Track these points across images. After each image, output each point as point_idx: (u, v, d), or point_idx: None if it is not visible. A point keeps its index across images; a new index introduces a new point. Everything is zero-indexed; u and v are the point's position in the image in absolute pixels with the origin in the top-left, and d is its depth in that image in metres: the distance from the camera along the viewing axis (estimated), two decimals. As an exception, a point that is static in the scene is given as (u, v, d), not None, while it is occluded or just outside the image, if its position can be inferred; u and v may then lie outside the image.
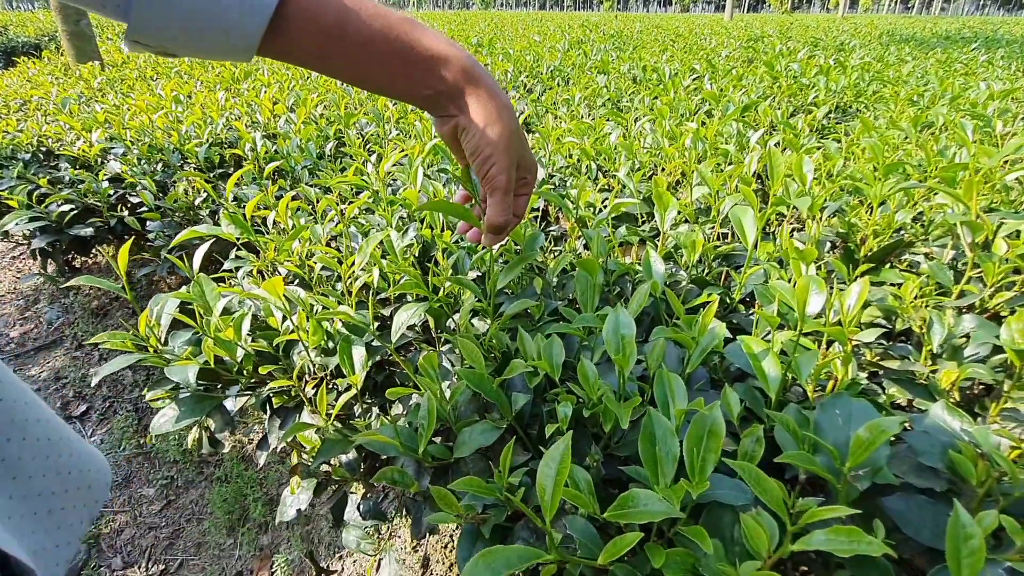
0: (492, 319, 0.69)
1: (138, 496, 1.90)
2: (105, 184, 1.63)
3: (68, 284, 0.77)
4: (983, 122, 1.76)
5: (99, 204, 1.69)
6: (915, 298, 0.72)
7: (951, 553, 0.37)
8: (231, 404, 0.79)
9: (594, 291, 0.66)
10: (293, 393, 0.74)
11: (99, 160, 1.84)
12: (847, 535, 0.35)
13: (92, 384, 0.82)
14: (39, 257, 2.15)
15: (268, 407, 0.81)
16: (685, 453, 0.38)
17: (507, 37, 5.41)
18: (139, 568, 1.63)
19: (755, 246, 0.71)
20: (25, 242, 2.49)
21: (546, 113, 1.80)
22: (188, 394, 0.79)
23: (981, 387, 0.66)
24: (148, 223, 1.44)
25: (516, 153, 0.50)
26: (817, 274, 0.86)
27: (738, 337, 0.57)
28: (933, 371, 0.65)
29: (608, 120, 1.63)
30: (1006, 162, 1.35)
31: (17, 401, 0.39)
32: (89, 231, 1.77)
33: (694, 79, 2.44)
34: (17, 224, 1.69)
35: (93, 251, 2.83)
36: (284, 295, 0.67)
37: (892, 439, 0.54)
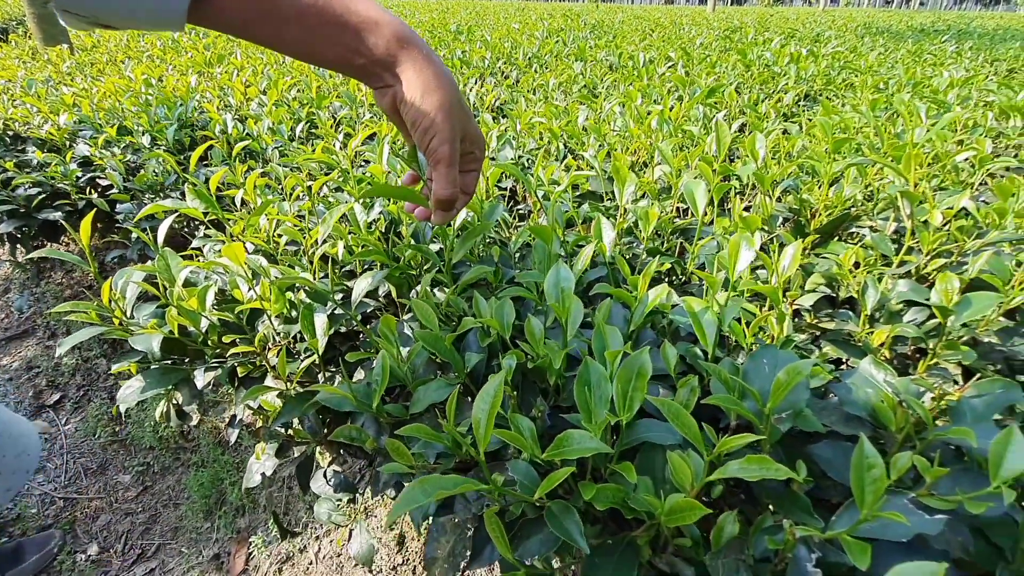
0: (450, 280, 0.71)
1: (114, 483, 1.89)
2: (73, 166, 1.61)
3: (31, 256, 0.77)
4: (943, 108, 1.81)
5: (68, 187, 1.67)
6: (857, 267, 0.75)
7: (855, 482, 0.40)
8: (199, 377, 0.80)
9: (550, 259, 0.68)
10: (258, 363, 0.76)
11: (67, 143, 1.82)
12: (758, 463, 0.38)
13: (59, 354, 0.82)
14: (7, 243, 2.12)
15: (234, 379, 0.82)
16: (615, 393, 0.41)
17: (488, 25, 5.38)
18: (115, 552, 1.64)
19: (706, 216, 0.74)
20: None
21: (522, 99, 1.81)
22: (155, 365, 0.80)
23: (914, 349, 0.70)
24: (118, 205, 1.43)
25: (459, 123, 0.48)
26: (768, 246, 0.90)
27: (681, 298, 0.59)
28: (869, 333, 0.68)
29: (581, 104, 1.65)
30: (960, 142, 1.40)
31: None
32: (58, 215, 1.75)
33: (669, 67, 2.47)
34: (-17, 208, 1.67)
35: (63, 238, 2.78)
36: (247, 263, 0.68)
37: (823, 391, 0.57)
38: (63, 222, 1.27)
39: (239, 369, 0.78)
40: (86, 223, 0.77)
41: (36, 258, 2.82)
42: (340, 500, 1.51)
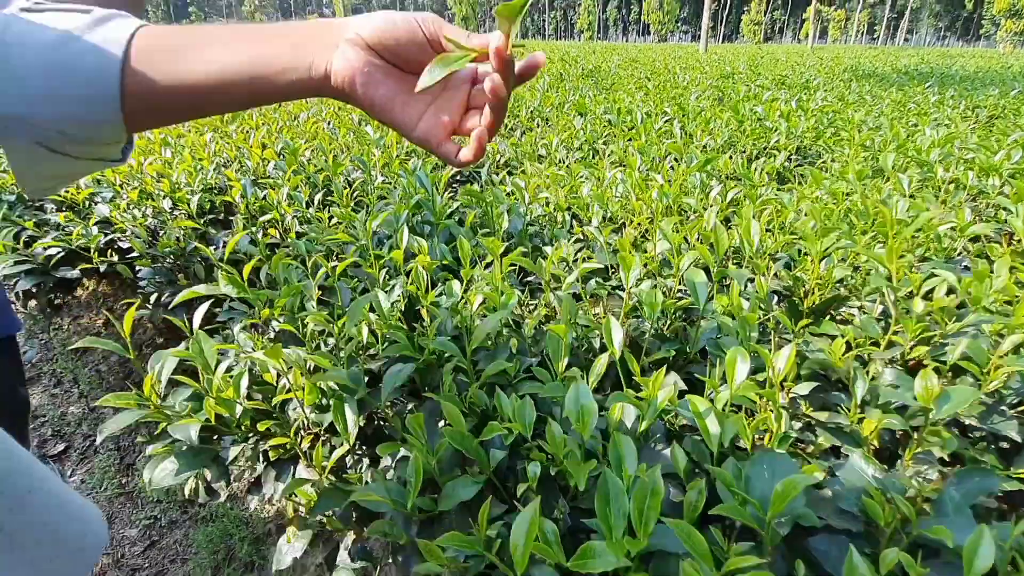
0: (472, 378, 0.77)
1: (120, 537, 1.90)
2: (95, 231, 1.67)
3: (75, 347, 0.83)
4: (926, 168, 1.91)
5: (87, 249, 1.73)
6: (847, 351, 0.81)
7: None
8: (228, 455, 0.85)
9: (563, 351, 0.74)
10: (289, 446, 0.80)
11: (87, 203, 1.89)
12: (762, 579, 0.43)
13: (99, 441, 0.87)
14: (21, 297, 2.17)
15: (264, 457, 0.87)
16: (632, 511, 0.46)
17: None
18: (122, 610, 1.64)
19: (706, 305, 0.81)
20: (7, 284, 2.50)
21: (525, 158, 1.91)
22: (187, 447, 0.84)
23: (902, 433, 0.75)
24: (140, 270, 1.49)
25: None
26: (766, 325, 0.96)
27: (686, 396, 0.65)
28: (860, 419, 0.74)
29: (584, 169, 1.74)
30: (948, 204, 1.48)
31: (12, 473, 0.40)
32: (76, 273, 1.81)
33: (665, 121, 2.59)
34: (2, 267, 1.72)
35: (79, 294, 2.84)
36: (283, 359, 0.74)
37: (817, 485, 0.63)
38: (79, 280, 1.32)
39: (271, 452, 0.82)
40: (129, 316, 0.82)
41: (48, 309, 2.87)
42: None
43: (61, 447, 2.33)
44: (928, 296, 0.90)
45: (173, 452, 0.85)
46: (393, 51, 0.41)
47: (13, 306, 1.20)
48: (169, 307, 1.37)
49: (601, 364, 0.64)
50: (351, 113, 2.78)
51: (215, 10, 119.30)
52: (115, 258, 1.79)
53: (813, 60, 9.78)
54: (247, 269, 0.93)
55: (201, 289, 0.94)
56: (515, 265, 1.14)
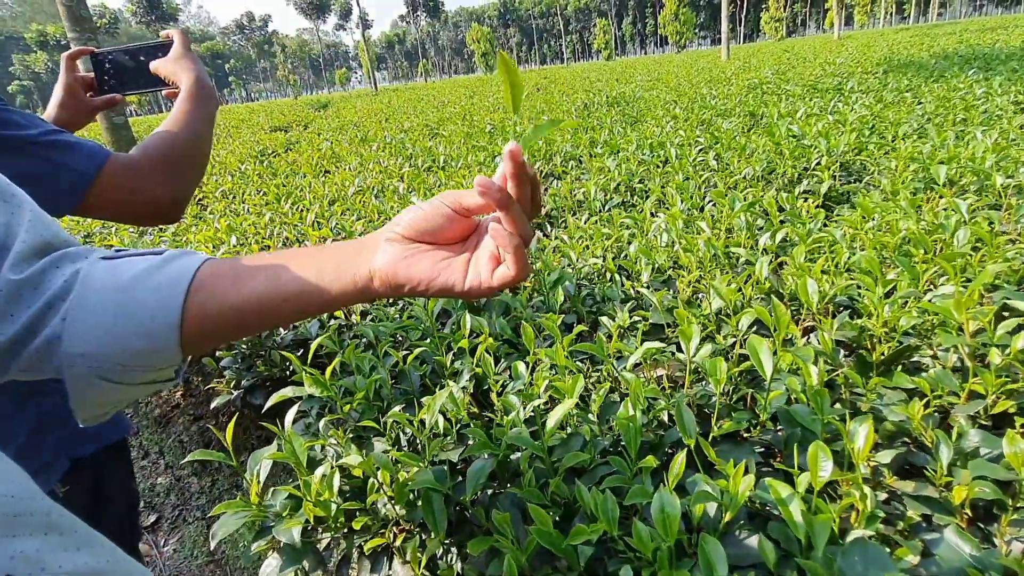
0: (549, 465, 0.81)
1: (213, 606, 1.99)
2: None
3: (185, 460, 0.91)
4: (983, 175, 1.84)
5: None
6: (924, 407, 0.80)
7: None
8: (329, 557, 0.91)
9: (636, 434, 0.77)
10: (384, 545, 0.86)
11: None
12: None
13: (212, 546, 0.95)
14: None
15: (359, 551, 0.92)
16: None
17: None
18: None
19: (772, 376, 0.82)
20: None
21: (565, 211, 1.96)
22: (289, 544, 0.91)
23: (996, 501, 0.73)
24: (223, 360, 1.61)
25: None
26: (836, 381, 0.95)
27: (766, 480, 0.66)
28: (948, 482, 0.72)
29: (623, 216, 1.78)
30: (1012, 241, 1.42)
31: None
32: (159, 390, 1.96)
33: (699, 151, 2.60)
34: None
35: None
36: (373, 464, 0.80)
37: (914, 563, 0.62)
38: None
39: (365, 547, 0.88)
40: (230, 429, 0.91)
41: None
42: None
43: (153, 518, 2.47)
44: (1006, 335, 0.87)
45: (275, 548, 0.92)
46: (427, 231, 0.45)
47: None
48: (257, 408, 1.47)
49: (679, 463, 0.67)
50: (392, 180, 2.91)
51: (252, 76, 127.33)
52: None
53: (842, 55, 9.54)
54: (328, 371, 1.00)
55: (288, 392, 1.02)
56: (570, 329, 1.17)
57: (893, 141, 2.44)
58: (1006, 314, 1.06)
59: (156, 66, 0.97)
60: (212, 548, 1.95)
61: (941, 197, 1.68)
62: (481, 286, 0.45)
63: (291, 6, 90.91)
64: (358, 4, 37.78)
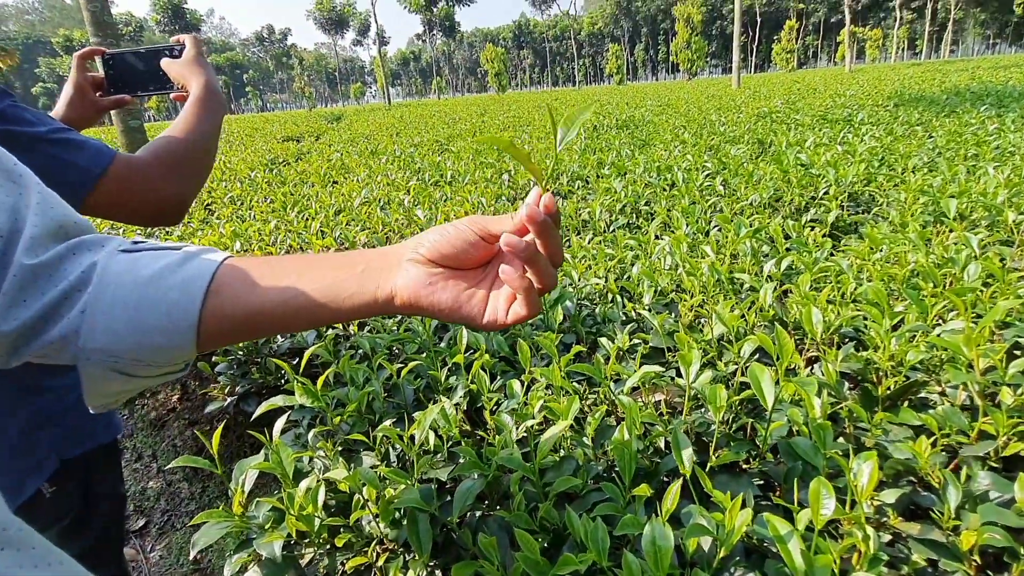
0: (539, 488, 0.78)
1: (196, 614, 1.94)
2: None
3: (170, 465, 0.89)
4: (994, 210, 1.82)
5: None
6: (932, 445, 0.77)
7: None
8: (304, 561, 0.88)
9: (631, 461, 0.74)
10: (367, 565, 0.83)
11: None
12: None
13: (192, 556, 0.92)
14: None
15: (341, 567, 0.89)
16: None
17: (529, 128, 5.79)
18: None
19: (775, 404, 0.79)
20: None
21: (570, 231, 1.95)
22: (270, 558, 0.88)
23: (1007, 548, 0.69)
24: (218, 365, 1.60)
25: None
26: (839, 414, 0.93)
27: (764, 515, 0.63)
28: (956, 527, 0.69)
29: (628, 238, 1.76)
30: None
31: None
32: (169, 380, 1.94)
33: (707, 176, 2.59)
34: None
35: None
36: (360, 477, 0.77)
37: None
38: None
39: (347, 565, 0.85)
40: (216, 436, 0.88)
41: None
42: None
43: (141, 523, 2.43)
44: (1017, 375, 0.85)
45: (256, 561, 0.89)
46: (451, 256, 0.45)
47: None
48: (249, 416, 1.45)
49: (674, 494, 0.64)
50: (399, 193, 2.92)
51: (269, 87, 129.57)
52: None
53: (853, 87, 9.59)
54: (320, 381, 0.99)
55: (279, 401, 1.00)
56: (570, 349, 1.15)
57: (903, 173, 2.43)
58: (1017, 352, 1.03)
59: (167, 66, 0.97)
60: (193, 557, 1.91)
61: (951, 231, 1.66)
62: (497, 322, 0.46)
63: (311, 21, 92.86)
64: (376, 21, 38.56)
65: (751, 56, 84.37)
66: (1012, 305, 0.93)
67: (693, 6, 40.08)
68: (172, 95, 1.00)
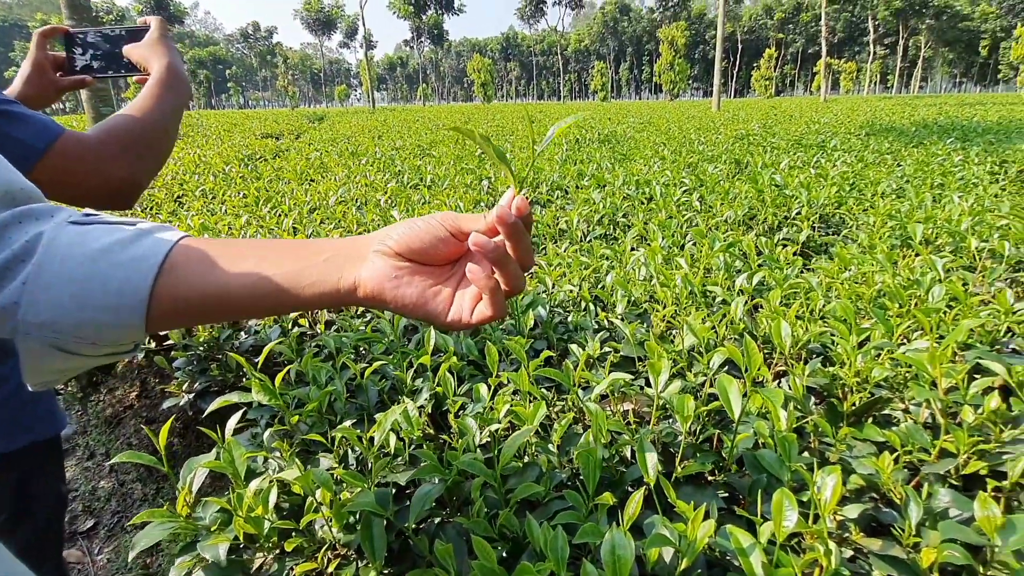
0: (501, 494, 0.75)
1: (146, 621, 1.85)
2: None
3: (113, 461, 0.84)
4: (958, 237, 1.87)
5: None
6: (895, 462, 0.77)
7: None
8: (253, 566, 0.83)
9: (596, 469, 0.72)
10: (318, 571, 0.79)
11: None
12: None
13: (131, 557, 0.87)
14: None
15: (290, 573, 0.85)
16: None
17: (512, 138, 5.81)
18: None
19: (741, 416, 0.78)
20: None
21: (547, 239, 1.94)
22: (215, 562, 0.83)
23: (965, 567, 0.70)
24: (176, 360, 1.53)
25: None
26: (805, 428, 0.92)
27: (727, 527, 0.62)
28: (916, 543, 0.69)
29: (604, 248, 1.76)
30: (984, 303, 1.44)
31: None
32: (114, 360, 1.86)
33: (684, 192, 2.62)
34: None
35: (113, 370, 2.92)
36: (313, 481, 0.74)
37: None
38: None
39: (296, 571, 0.81)
40: (164, 431, 0.84)
41: (87, 386, 2.95)
42: None
43: (90, 524, 2.32)
44: (978, 394, 0.86)
45: (201, 566, 0.85)
46: (419, 251, 0.44)
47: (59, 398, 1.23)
48: (203, 413, 1.40)
49: (636, 502, 0.62)
50: (376, 194, 2.89)
51: (252, 84, 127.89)
52: (153, 344, 1.85)
53: (827, 116, 9.90)
54: (279, 378, 0.95)
55: (234, 397, 0.95)
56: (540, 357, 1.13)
57: (872, 198, 2.49)
58: (977, 375, 1.05)
59: (128, 50, 0.94)
60: (133, 559, 1.82)
61: (917, 255, 1.70)
62: (461, 321, 0.45)
63: (298, 20, 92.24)
64: (364, 25, 38.47)
65: (731, 81, 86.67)
66: (975, 324, 0.95)
67: (677, 30, 41.01)
68: (135, 78, 0.96)
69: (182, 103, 0.91)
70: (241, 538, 0.80)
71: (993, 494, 0.70)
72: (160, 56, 0.90)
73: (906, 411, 0.91)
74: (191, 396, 1.67)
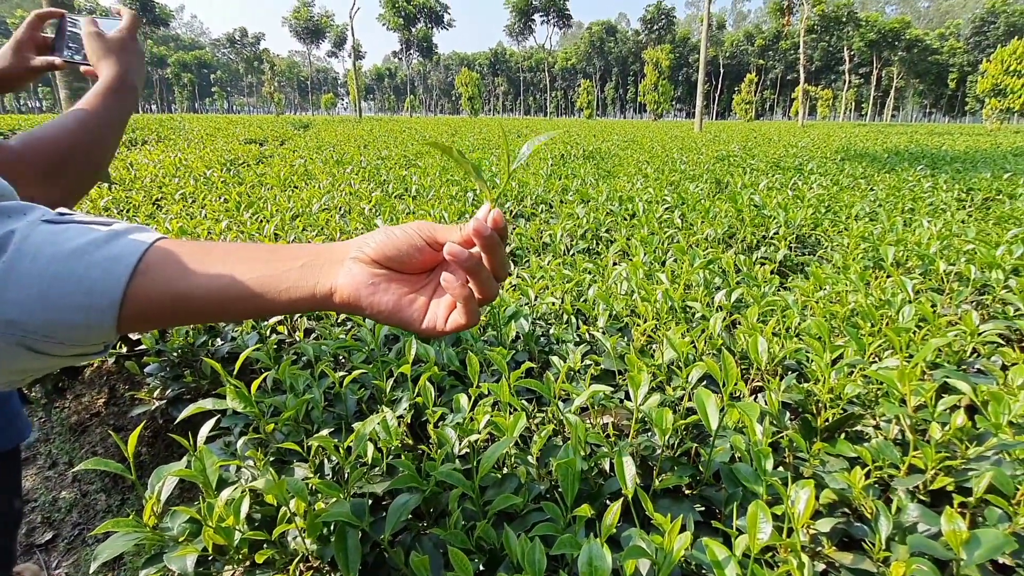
0: (478, 506, 0.75)
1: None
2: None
3: (76, 469, 0.81)
4: (927, 260, 1.93)
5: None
6: (866, 476, 0.79)
7: None
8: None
9: (574, 481, 0.72)
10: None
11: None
12: None
13: (92, 569, 0.84)
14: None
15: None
16: None
17: (493, 148, 5.84)
18: None
19: (718, 430, 0.79)
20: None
21: (530, 252, 1.95)
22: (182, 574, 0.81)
23: None
24: (147, 366, 1.49)
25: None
26: (780, 443, 0.94)
27: (703, 540, 0.63)
28: (886, 558, 0.70)
29: (587, 261, 1.78)
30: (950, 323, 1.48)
31: None
32: (84, 362, 1.81)
33: (666, 209, 2.66)
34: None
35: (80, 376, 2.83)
36: (288, 489, 0.72)
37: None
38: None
39: (267, 584, 0.79)
40: (133, 438, 0.82)
41: (52, 391, 2.85)
42: None
43: (49, 536, 2.23)
44: (946, 412, 0.88)
45: (166, 579, 0.82)
46: (395, 259, 0.45)
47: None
48: (175, 421, 1.36)
49: (614, 513, 0.62)
50: (361, 203, 2.87)
51: (237, 89, 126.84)
52: (123, 349, 1.80)
53: (805, 140, 10.17)
54: (255, 385, 0.93)
55: (207, 404, 0.93)
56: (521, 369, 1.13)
57: (847, 220, 2.56)
58: (945, 394, 1.08)
59: (88, 40, 0.89)
60: (94, 571, 1.75)
61: (888, 276, 1.75)
62: (435, 328, 0.46)
63: (286, 28, 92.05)
64: (353, 35, 38.57)
65: (713, 104, 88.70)
66: (942, 342, 0.98)
67: (662, 52, 41.92)
68: (83, 69, 0.92)
69: (124, 115, 0.85)
70: (210, 549, 0.78)
71: (959, 509, 0.72)
72: (114, 62, 0.85)
73: (877, 427, 0.94)
74: (163, 403, 1.63)
